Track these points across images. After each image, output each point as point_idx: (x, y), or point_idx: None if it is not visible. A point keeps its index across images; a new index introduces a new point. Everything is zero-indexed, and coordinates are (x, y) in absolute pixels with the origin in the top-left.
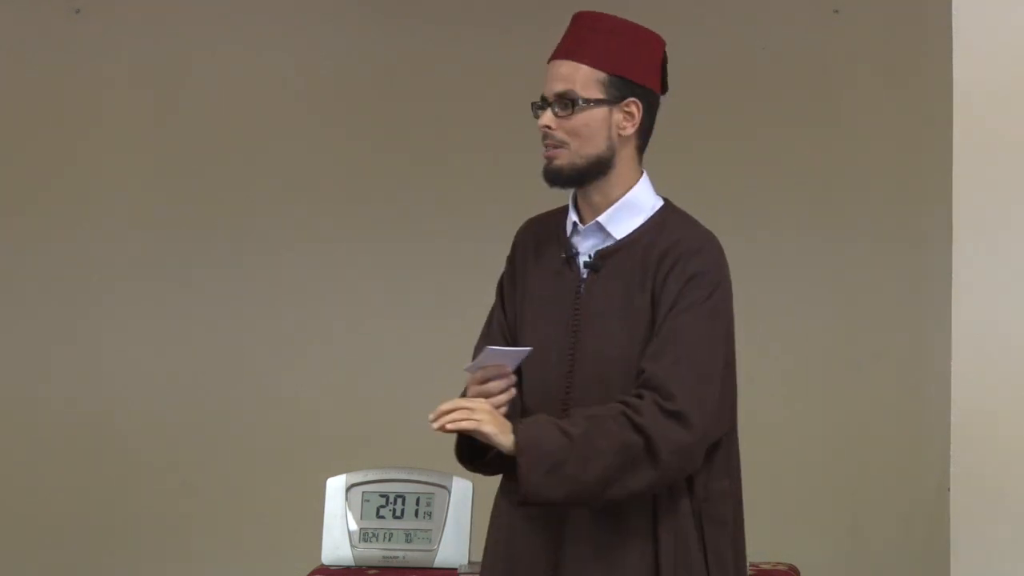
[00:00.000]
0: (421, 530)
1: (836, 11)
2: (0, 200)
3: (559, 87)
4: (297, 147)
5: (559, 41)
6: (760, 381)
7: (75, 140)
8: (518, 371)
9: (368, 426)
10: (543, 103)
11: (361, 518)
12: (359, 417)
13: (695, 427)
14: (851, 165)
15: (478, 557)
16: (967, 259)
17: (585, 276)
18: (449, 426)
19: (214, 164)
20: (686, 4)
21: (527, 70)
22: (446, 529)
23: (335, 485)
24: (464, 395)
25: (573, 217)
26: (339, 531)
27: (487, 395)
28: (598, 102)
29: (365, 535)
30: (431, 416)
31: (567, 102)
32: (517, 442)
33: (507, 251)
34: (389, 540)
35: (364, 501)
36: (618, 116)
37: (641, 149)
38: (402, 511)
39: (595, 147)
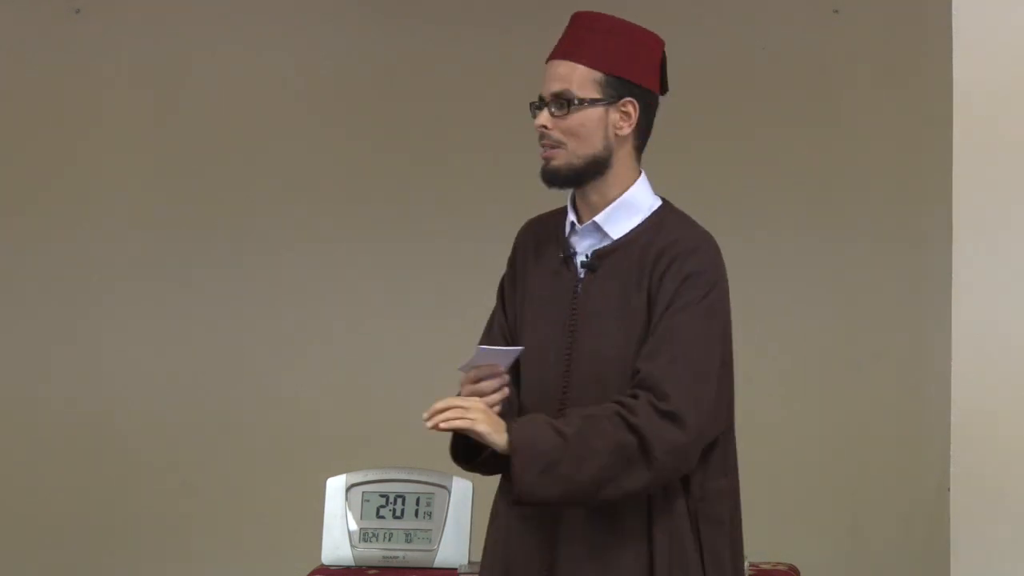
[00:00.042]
0: (421, 530)
1: (836, 11)
2: (0, 200)
3: (556, 87)
4: (297, 147)
5: (557, 41)
6: (759, 381)
7: (75, 140)
8: (516, 371)
9: (368, 426)
10: (540, 103)
11: (361, 518)
12: (359, 417)
13: (690, 427)
14: (851, 165)
15: (478, 557)
16: (967, 259)
17: (582, 276)
18: (443, 425)
19: (214, 164)
20: (685, 4)
21: (527, 70)
22: (446, 529)
23: (335, 485)
24: (458, 395)
25: (571, 217)
26: (339, 531)
27: (480, 394)
28: (594, 102)
29: (365, 535)
30: (425, 415)
31: (563, 102)
32: (511, 441)
33: (507, 251)
34: (389, 540)
35: (364, 501)
36: (614, 116)
37: (639, 149)
38: (402, 511)
39: (592, 147)
